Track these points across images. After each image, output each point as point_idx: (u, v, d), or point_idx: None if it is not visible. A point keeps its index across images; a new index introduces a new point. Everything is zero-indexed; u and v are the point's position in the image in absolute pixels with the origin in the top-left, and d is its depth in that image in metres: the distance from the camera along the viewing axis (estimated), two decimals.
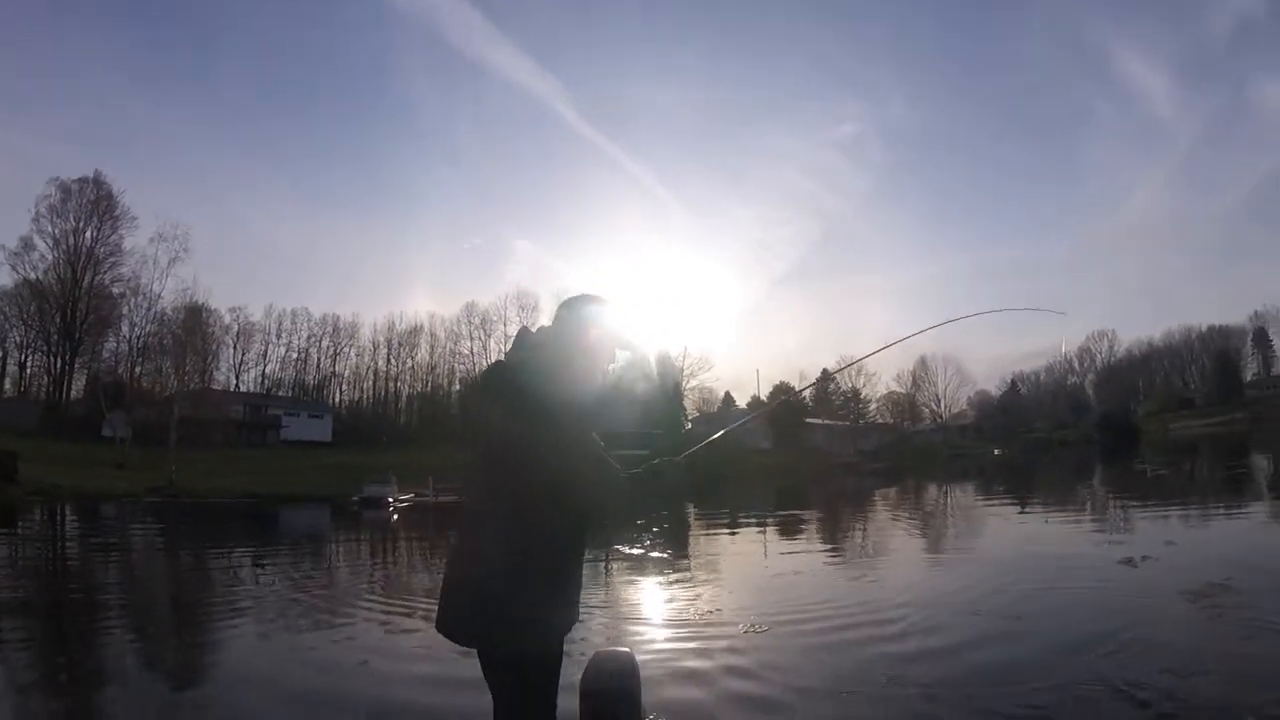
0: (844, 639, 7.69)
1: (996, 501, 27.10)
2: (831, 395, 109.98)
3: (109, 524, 24.49)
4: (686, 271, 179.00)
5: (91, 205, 77.41)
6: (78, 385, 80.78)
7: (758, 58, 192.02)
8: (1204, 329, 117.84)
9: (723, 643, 7.77)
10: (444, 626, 2.68)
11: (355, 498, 37.08)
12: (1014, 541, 15.40)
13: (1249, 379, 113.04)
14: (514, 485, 2.64)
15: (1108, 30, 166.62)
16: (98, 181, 78.29)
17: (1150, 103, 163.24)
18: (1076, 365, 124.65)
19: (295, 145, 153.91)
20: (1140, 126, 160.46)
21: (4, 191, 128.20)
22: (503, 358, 2.93)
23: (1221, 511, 16.94)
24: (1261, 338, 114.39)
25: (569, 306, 2.94)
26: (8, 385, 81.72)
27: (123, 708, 6.20)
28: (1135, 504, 20.90)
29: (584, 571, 2.90)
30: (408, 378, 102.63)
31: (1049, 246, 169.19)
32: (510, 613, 2.57)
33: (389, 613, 9.84)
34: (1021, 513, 22.05)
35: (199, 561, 16.68)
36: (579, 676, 3.54)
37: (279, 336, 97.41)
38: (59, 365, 79.13)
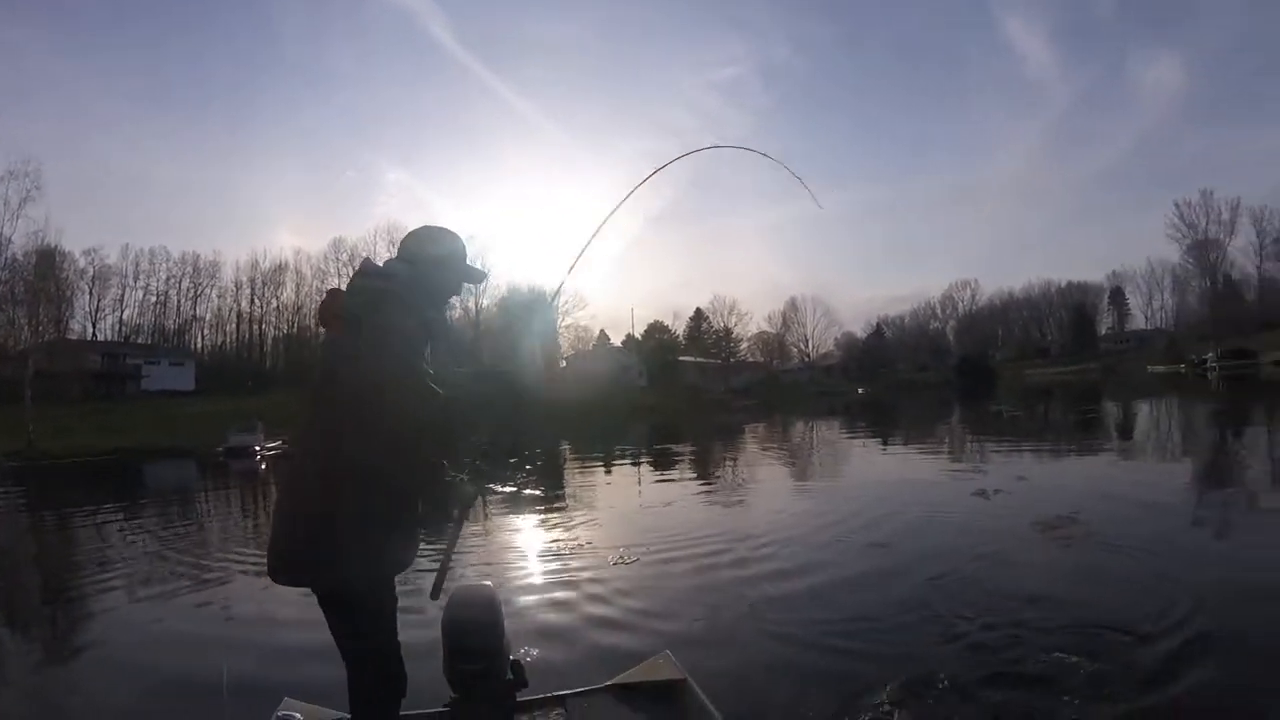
0: (709, 567, 7.91)
1: (860, 437, 27.95)
2: (704, 334, 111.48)
3: None
4: (563, 206, 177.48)
5: None
6: None
7: None
8: (1063, 284, 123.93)
9: (591, 574, 7.88)
10: (271, 570, 2.62)
11: (221, 448, 35.84)
12: (875, 474, 15.97)
13: (1103, 333, 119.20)
14: (327, 412, 2.62)
15: None
16: None
17: (1027, 64, 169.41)
18: (939, 312, 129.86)
19: (149, 69, 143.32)
20: (1016, 85, 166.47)
21: None
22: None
23: (1071, 451, 17.81)
24: (1118, 295, 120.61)
25: (415, 238, 2.90)
26: None
27: None
28: (990, 442, 21.82)
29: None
30: (273, 319, 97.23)
31: (919, 194, 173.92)
32: (328, 547, 2.49)
33: (261, 568, 9.61)
34: (883, 448, 22.84)
35: (63, 525, 15.90)
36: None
37: (136, 279, 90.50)
38: None
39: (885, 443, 24.67)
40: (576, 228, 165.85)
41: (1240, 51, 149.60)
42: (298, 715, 3.50)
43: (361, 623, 2.65)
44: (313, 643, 3.69)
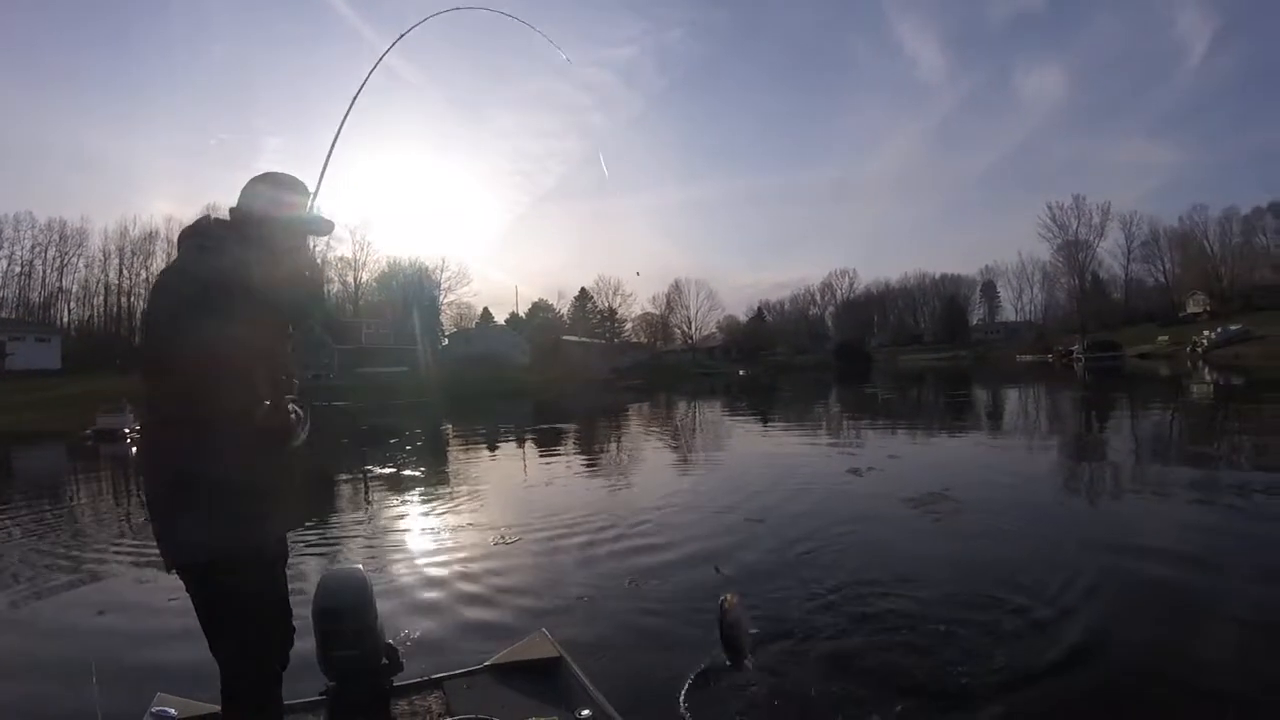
0: (590, 545, 7.96)
1: (740, 417, 28.42)
2: (589, 314, 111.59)
3: None
4: (450, 179, 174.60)
5: None
6: None
7: None
8: (938, 275, 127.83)
9: (471, 555, 7.84)
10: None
11: (89, 431, 34.26)
12: (754, 453, 16.30)
13: (974, 323, 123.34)
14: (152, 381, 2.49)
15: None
16: None
17: (917, 66, 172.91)
18: (819, 298, 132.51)
19: (13, 15, 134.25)
20: (905, 86, 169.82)
21: None
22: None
23: (942, 432, 18.46)
24: (989, 289, 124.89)
25: (250, 186, 2.68)
26: None
27: None
28: (865, 423, 22.48)
29: (286, 474, 2.56)
30: (143, 291, 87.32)
31: (804, 184, 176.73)
32: (168, 522, 2.38)
33: (138, 558, 9.24)
34: (763, 428, 23.25)
35: None
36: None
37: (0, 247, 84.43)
38: None
39: (765, 423, 25.10)
40: (456, 204, 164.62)
41: (1117, 66, 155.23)
42: (172, 710, 3.40)
43: (215, 601, 2.45)
44: (189, 632, 3.59)
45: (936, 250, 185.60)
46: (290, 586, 2.73)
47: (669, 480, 12.63)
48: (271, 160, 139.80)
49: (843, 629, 5.03)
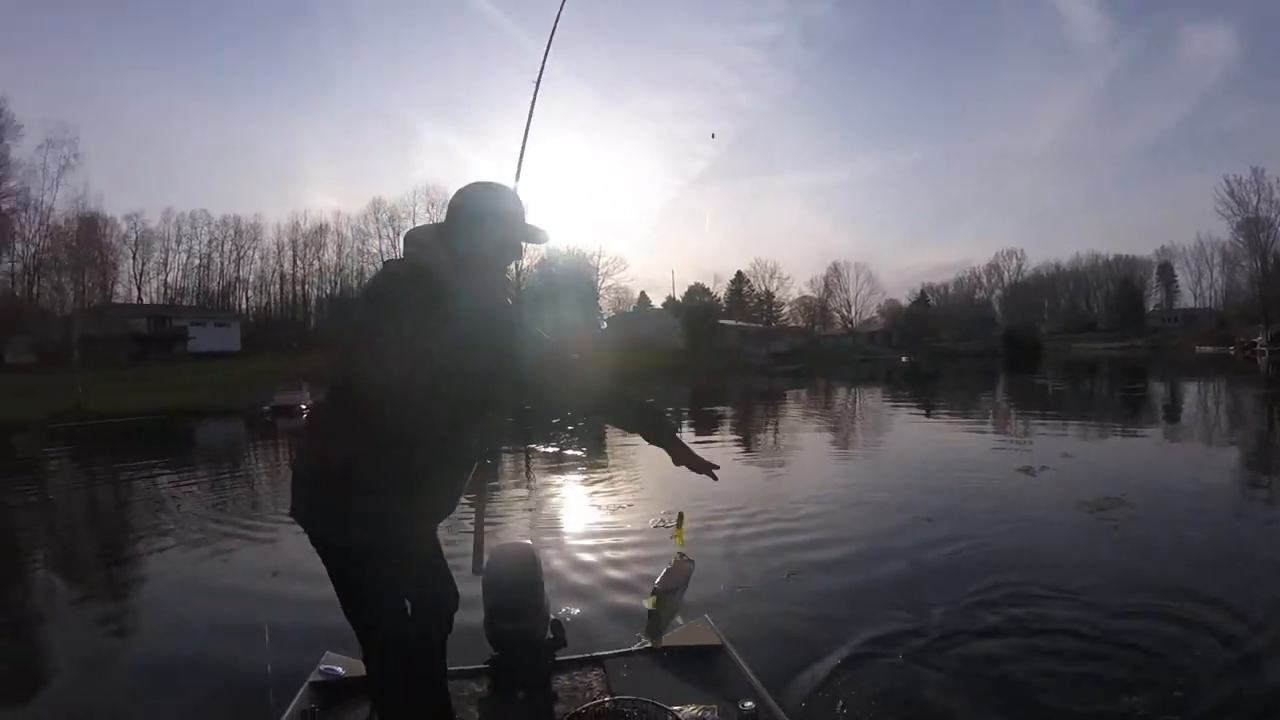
0: (749, 533, 7.92)
1: (903, 406, 27.81)
2: (745, 297, 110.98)
3: (17, 454, 23.57)
4: (602, 167, 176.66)
5: None
6: None
7: None
8: (1110, 257, 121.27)
9: (631, 537, 7.94)
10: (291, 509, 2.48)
11: (267, 407, 36.23)
12: (918, 445, 15.92)
13: (1151, 309, 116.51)
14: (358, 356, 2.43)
15: None
16: None
17: (1074, 29, 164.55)
18: (985, 281, 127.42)
19: (183, 38, 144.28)
20: (1061, 49, 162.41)
21: None
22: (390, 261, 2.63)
23: (1117, 429, 17.58)
24: (1166, 271, 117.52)
25: (465, 196, 2.59)
26: None
27: (49, 644, 6.18)
28: (1035, 416, 21.62)
29: (458, 467, 2.53)
30: (316, 279, 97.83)
31: (962, 158, 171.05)
32: (315, 493, 2.40)
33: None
34: (927, 417, 22.69)
35: (114, 483, 16.17)
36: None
37: (179, 242, 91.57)
38: None
39: (929, 413, 24.46)
40: (610, 191, 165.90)
41: None
42: (339, 669, 3.57)
43: (343, 575, 2.50)
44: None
45: (1109, 229, 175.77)
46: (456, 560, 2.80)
47: (828, 470, 12.45)
48: (429, 153, 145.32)
49: (1003, 634, 4.88)
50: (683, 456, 2.66)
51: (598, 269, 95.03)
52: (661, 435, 2.64)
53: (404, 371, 2.26)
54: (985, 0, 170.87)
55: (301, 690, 3.42)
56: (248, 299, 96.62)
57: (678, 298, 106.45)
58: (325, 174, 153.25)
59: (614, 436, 19.43)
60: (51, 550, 9.87)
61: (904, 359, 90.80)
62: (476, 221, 2.53)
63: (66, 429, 31.11)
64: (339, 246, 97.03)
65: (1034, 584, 5.76)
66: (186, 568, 8.02)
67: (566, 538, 8.21)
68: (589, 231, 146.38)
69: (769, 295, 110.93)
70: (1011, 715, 3.89)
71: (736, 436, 19.60)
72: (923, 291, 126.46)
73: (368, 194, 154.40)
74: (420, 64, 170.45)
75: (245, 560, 8.15)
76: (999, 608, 5.35)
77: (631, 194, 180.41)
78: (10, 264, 74.40)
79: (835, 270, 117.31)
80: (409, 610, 2.61)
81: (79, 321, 53.40)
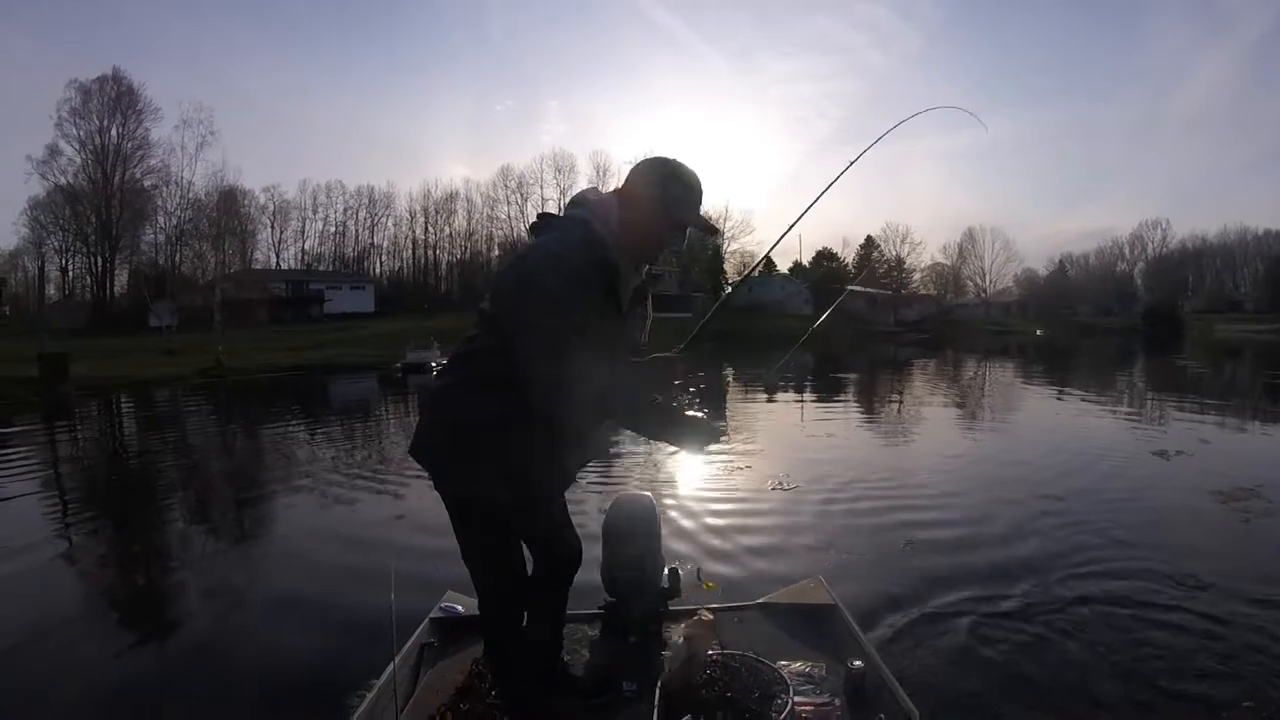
0: (868, 503, 7.94)
1: (1035, 381, 27.08)
2: (875, 263, 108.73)
3: (161, 408, 25.05)
4: (726, 130, 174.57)
5: (113, 102, 75.72)
6: (121, 281, 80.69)
7: None
8: (1260, 232, 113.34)
9: (749, 498, 8.07)
10: (413, 449, 2.61)
11: (399, 364, 37.38)
12: (1049, 422, 15.54)
13: None
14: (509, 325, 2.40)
15: None
16: (116, 78, 76.14)
17: None
18: (1127, 253, 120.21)
19: (313, 13, 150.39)
20: (1213, 4, 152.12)
21: (19, 101, 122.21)
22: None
23: (1260, 418, 16.80)
24: None
25: (648, 168, 2.54)
26: (52, 290, 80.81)
27: (189, 580, 6.67)
28: (1174, 399, 20.82)
29: (583, 438, 2.62)
30: (446, 245, 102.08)
31: (1104, 118, 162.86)
32: (456, 447, 2.49)
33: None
34: (1060, 395, 22.05)
35: (250, 435, 17.15)
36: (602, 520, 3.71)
37: (315, 212, 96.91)
38: (100, 264, 78.79)
39: (1062, 390, 23.73)
40: (735, 155, 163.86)
41: None
42: (459, 608, 3.79)
43: (468, 531, 2.68)
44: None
45: (1260, 201, 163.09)
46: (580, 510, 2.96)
47: (953, 445, 12.25)
48: (554, 121, 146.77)
49: (1114, 613, 4.91)
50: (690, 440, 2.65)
51: (723, 233, 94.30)
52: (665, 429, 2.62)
53: (568, 354, 2.23)
54: None
55: (422, 625, 3.64)
56: (381, 263, 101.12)
57: (805, 262, 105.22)
58: (455, 143, 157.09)
59: (735, 400, 19.50)
60: (191, 493, 10.54)
61: (1039, 332, 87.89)
62: (653, 200, 2.48)
63: (207, 384, 32.76)
64: (468, 213, 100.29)
65: (1152, 569, 5.70)
66: (316, 512, 8.70)
67: (687, 493, 8.39)
68: (715, 196, 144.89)
69: (899, 261, 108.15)
70: (1119, 693, 3.90)
71: (860, 404, 19.49)
72: (1061, 261, 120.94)
73: (497, 161, 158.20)
74: (542, 34, 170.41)
75: (371, 507, 8.70)
76: (1114, 588, 5.34)
77: (758, 157, 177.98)
78: (154, 235, 79.53)
79: (970, 236, 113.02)
80: (539, 556, 2.85)
81: (219, 286, 56.22)
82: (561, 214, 2.57)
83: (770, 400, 19.61)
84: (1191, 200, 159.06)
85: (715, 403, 17.39)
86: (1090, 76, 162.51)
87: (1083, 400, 20.20)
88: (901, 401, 20.28)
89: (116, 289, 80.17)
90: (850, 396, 21.76)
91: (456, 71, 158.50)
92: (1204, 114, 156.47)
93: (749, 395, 21.21)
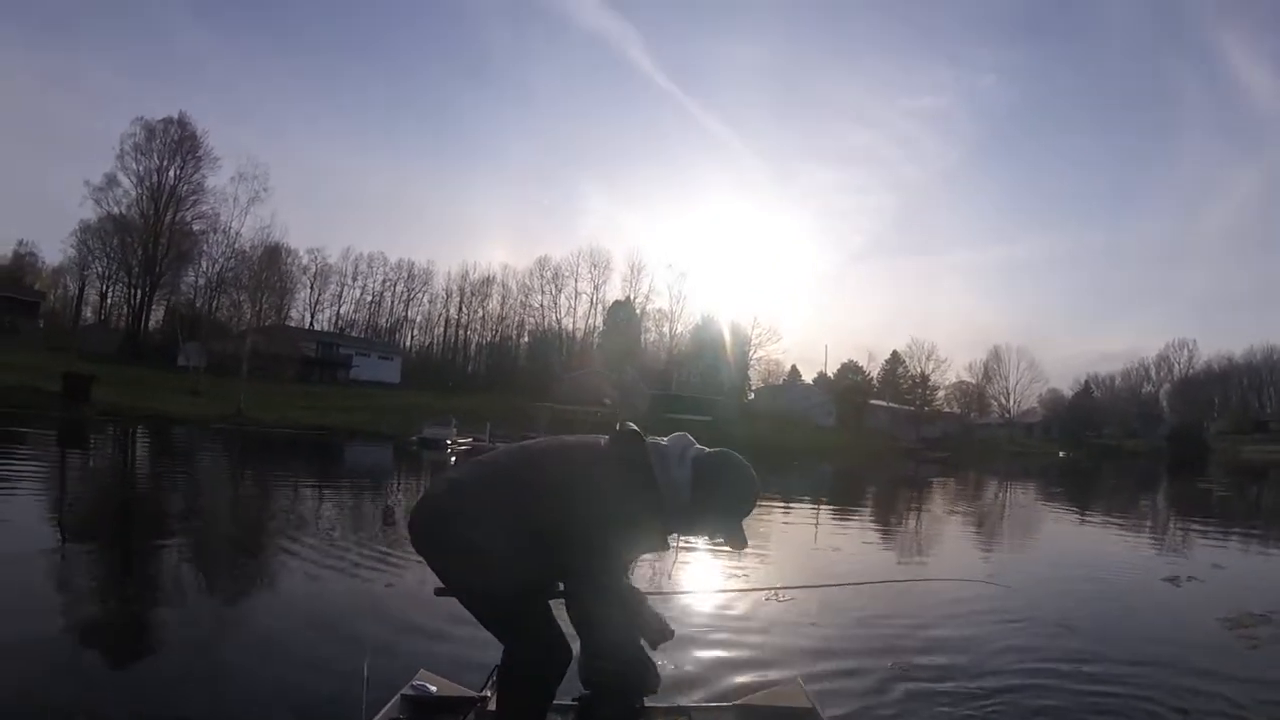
0: (864, 618, 7.74)
1: (1055, 505, 26.73)
2: (899, 379, 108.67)
3: (177, 446, 25.56)
4: (761, 236, 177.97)
5: (175, 145, 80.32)
6: (156, 316, 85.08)
7: (841, 17, 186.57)
8: None
9: (737, 608, 7.94)
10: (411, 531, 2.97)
11: (415, 437, 37.71)
12: (1062, 547, 15.29)
13: None
14: (525, 473, 2.90)
15: (1210, 18, 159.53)
16: (182, 122, 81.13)
17: (1253, 102, 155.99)
18: (1153, 374, 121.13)
19: (375, 93, 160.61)
20: (1238, 122, 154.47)
21: (84, 126, 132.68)
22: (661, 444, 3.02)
23: (1277, 542, 16.53)
24: None
25: (734, 478, 3.04)
26: (88, 313, 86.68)
27: (171, 618, 6.81)
28: (1194, 523, 20.54)
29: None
30: (478, 326, 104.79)
31: (1132, 240, 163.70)
32: (445, 533, 2.85)
33: None
34: (1078, 519, 21.77)
35: (259, 487, 17.49)
36: None
37: (354, 279, 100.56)
38: (139, 296, 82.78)
39: (1082, 514, 23.43)
40: (767, 261, 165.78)
41: None
42: (432, 687, 3.73)
43: (478, 614, 2.96)
44: (459, 620, 4.00)
45: None
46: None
47: (962, 566, 12.07)
48: (594, 215, 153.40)
49: None
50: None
51: (751, 339, 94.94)
52: None
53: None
54: (1157, 75, 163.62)
55: (392, 701, 3.59)
56: (412, 337, 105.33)
57: (830, 373, 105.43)
58: (496, 228, 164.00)
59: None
60: (190, 532, 11.10)
61: (1062, 454, 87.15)
62: (720, 503, 2.97)
63: (225, 430, 33.07)
64: (503, 298, 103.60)
65: (1151, 702, 5.55)
66: (312, 571, 8.74)
67: (675, 595, 8.29)
68: (744, 300, 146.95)
69: (924, 377, 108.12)
70: None
71: (875, 521, 19.30)
72: (1087, 382, 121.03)
73: (536, 250, 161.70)
74: (587, 129, 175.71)
75: (368, 572, 8.75)
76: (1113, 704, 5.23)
77: (790, 265, 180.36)
78: (195, 278, 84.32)
79: (995, 355, 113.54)
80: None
81: (251, 337, 57.39)
82: (647, 452, 2.92)
83: (785, 511, 19.42)
84: (1218, 321, 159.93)
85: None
86: (1119, 197, 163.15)
87: (1101, 525, 19.96)
88: (917, 520, 20.04)
89: (151, 323, 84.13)
90: (866, 512, 21.57)
91: (508, 158, 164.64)
92: (1234, 233, 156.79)
93: (762, 504, 20.99)
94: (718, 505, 2.94)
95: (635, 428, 2.99)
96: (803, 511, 19.87)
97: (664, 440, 3.00)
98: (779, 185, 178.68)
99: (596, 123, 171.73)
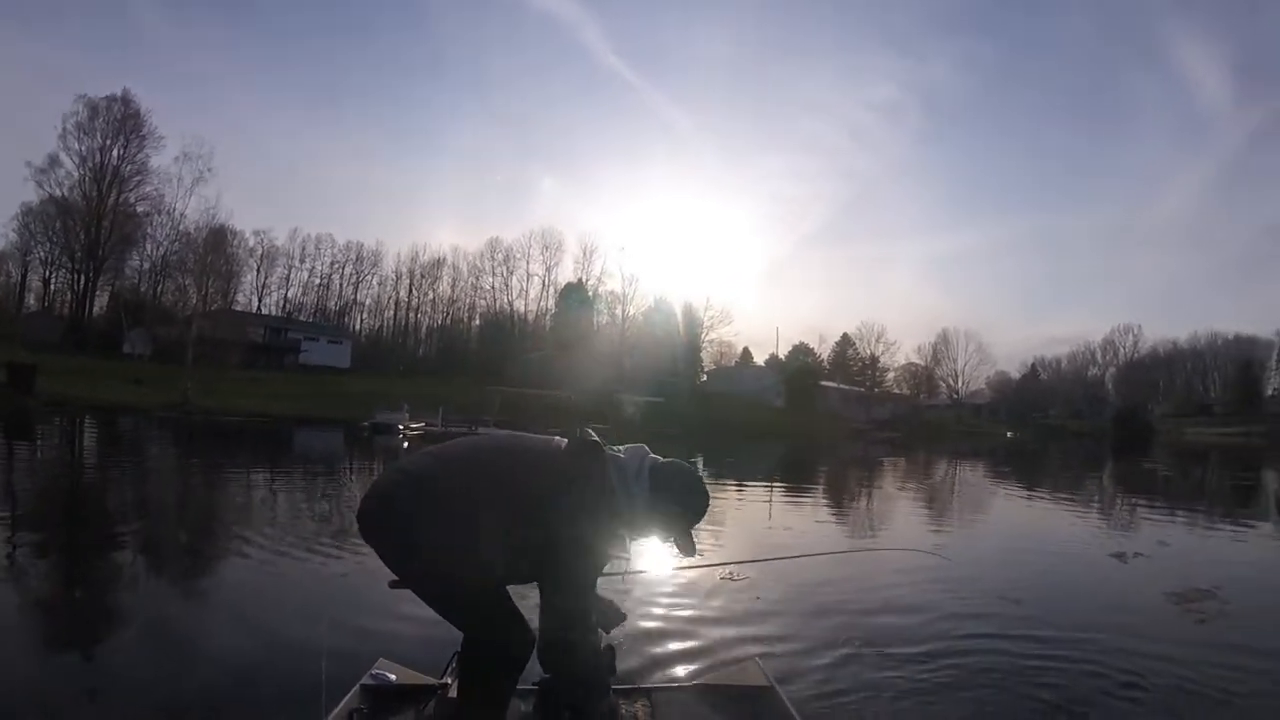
0: (819, 595, 7.73)
1: (1002, 484, 27.13)
2: (849, 360, 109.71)
3: (122, 436, 25.17)
4: (714, 220, 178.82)
5: (119, 124, 78.18)
6: (100, 302, 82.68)
7: (795, 7, 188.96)
8: (1230, 336, 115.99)
9: (695, 587, 7.91)
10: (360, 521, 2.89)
11: (367, 423, 37.39)
12: (1011, 524, 15.56)
13: (1270, 393, 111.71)
14: (486, 457, 2.96)
15: (1160, 8, 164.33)
16: (125, 100, 79.07)
17: (1200, 96, 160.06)
18: (1099, 357, 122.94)
19: (323, 71, 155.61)
20: (1187, 119, 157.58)
21: (27, 103, 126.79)
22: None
23: (1220, 521, 16.86)
24: None
25: (686, 486, 3.15)
26: (31, 300, 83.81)
27: (119, 611, 6.79)
28: (1139, 502, 20.93)
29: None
30: (428, 309, 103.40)
31: (1080, 228, 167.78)
32: (394, 526, 2.78)
33: None
34: (1026, 497, 22.11)
35: (208, 476, 17.32)
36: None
37: (302, 261, 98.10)
38: (82, 282, 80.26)
39: (1029, 492, 23.82)
40: (719, 245, 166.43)
41: None
42: (391, 675, 3.68)
43: (434, 606, 2.91)
44: (419, 613, 3.93)
45: (1229, 307, 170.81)
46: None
47: (913, 542, 12.11)
48: (545, 199, 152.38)
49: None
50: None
51: (703, 321, 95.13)
52: None
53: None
54: (1108, 67, 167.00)
55: (352, 691, 3.53)
56: (362, 320, 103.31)
57: (781, 355, 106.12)
58: (446, 209, 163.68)
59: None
60: (138, 525, 10.93)
61: (1009, 434, 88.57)
62: (673, 513, 3.08)
63: (171, 419, 32.62)
64: (453, 280, 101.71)
65: (1099, 666, 5.61)
66: (266, 555, 8.71)
67: (629, 574, 8.25)
68: (697, 283, 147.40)
69: (874, 359, 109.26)
70: None
71: (826, 500, 19.43)
72: (1033, 365, 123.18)
73: (486, 232, 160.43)
74: (540, 113, 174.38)
75: (322, 557, 8.72)
76: (1053, 681, 5.27)
77: (742, 249, 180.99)
78: (139, 262, 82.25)
79: (944, 338, 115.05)
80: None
81: (197, 322, 56.71)
82: (608, 470, 2.97)
83: (739, 491, 19.47)
84: (1163, 306, 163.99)
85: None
86: (1067, 185, 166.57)
87: (1048, 503, 20.33)
88: (869, 498, 20.22)
89: (95, 310, 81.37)
90: (818, 492, 21.70)
91: (458, 138, 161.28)
92: (1180, 222, 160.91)
93: (716, 486, 21.01)
94: (671, 515, 3.05)
95: (595, 438, 2.99)
96: (756, 492, 19.97)
97: (621, 451, 3.05)
98: (731, 171, 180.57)
99: (549, 105, 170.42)
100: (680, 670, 5.15)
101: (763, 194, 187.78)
